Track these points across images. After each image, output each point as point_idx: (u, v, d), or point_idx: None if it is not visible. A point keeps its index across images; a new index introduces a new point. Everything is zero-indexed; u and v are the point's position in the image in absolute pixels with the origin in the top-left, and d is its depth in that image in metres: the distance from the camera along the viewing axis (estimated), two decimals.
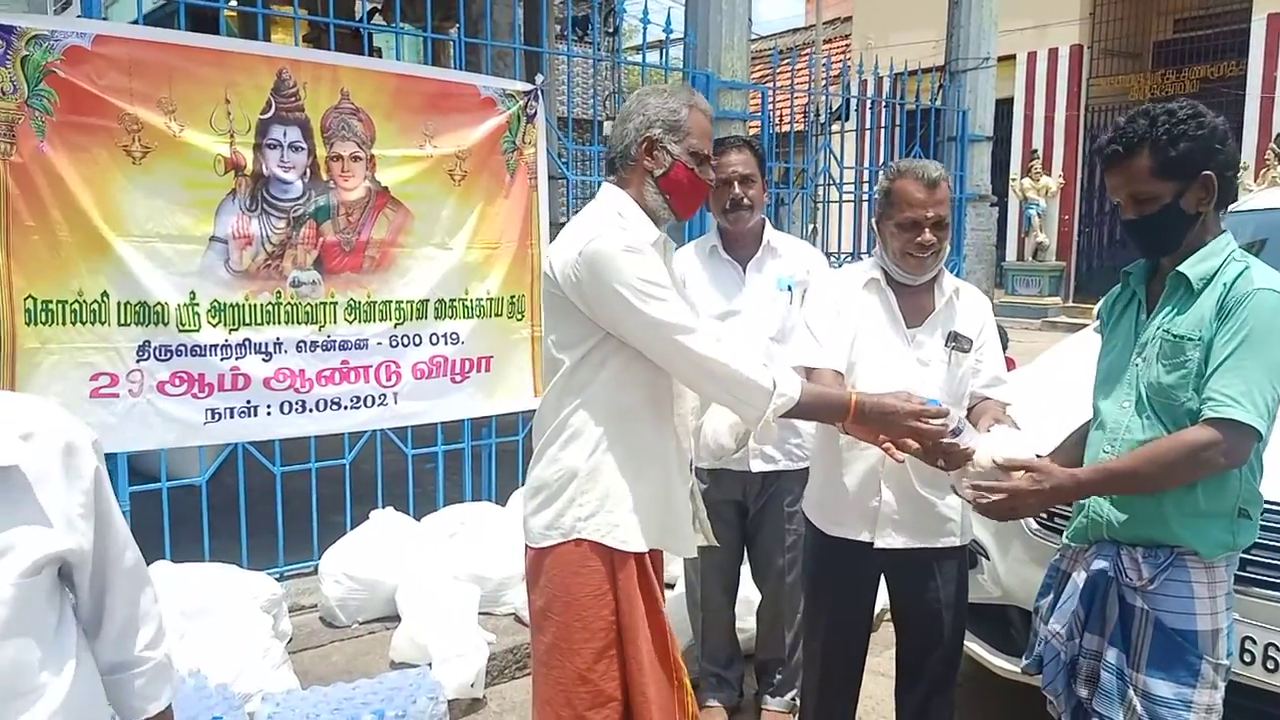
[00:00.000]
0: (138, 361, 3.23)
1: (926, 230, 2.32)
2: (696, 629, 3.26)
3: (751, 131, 5.40)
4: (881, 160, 6.44)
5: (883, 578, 2.52)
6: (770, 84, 5.67)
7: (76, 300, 3.11)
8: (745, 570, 3.25)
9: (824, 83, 6.36)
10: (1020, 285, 16.00)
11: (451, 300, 3.91)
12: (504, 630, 3.57)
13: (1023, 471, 1.97)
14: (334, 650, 3.48)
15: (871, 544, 2.40)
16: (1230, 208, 3.77)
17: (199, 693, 2.77)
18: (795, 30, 21.64)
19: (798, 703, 2.96)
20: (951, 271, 2.57)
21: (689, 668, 3.19)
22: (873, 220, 2.71)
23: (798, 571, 2.98)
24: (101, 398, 3.17)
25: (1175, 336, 1.91)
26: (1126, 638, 1.95)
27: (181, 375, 3.32)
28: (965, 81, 6.42)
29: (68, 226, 3.07)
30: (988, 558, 2.89)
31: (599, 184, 2.23)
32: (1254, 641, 2.31)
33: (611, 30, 11.24)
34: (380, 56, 5.77)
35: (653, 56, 5.19)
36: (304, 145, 3.51)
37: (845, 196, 6.12)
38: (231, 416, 3.42)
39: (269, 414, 3.49)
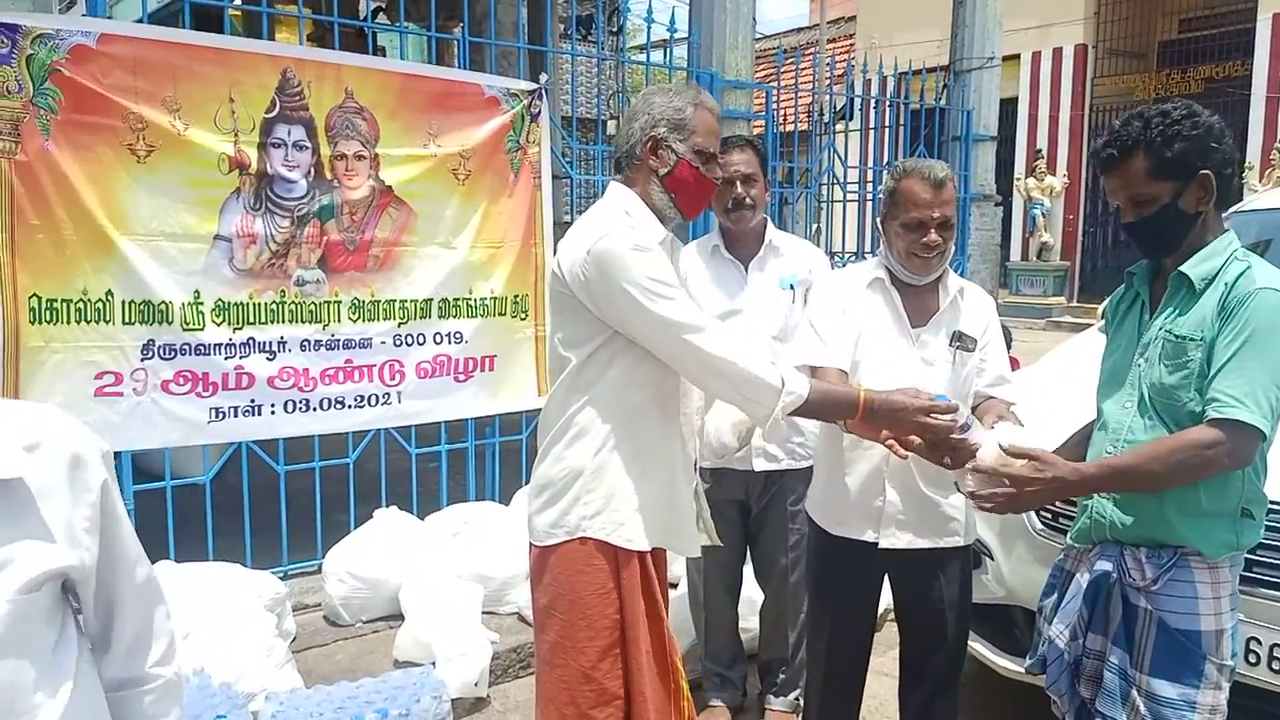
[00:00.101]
0: (142, 360, 3.24)
1: (932, 231, 2.32)
2: (700, 629, 3.26)
3: (756, 131, 5.41)
4: (886, 160, 6.43)
5: (886, 577, 2.52)
6: (774, 83, 5.66)
7: (81, 299, 3.12)
8: (748, 570, 3.25)
9: (828, 82, 6.34)
10: (1025, 285, 15.97)
11: (455, 299, 3.91)
12: (507, 629, 3.58)
13: (1025, 460, 1.95)
14: (338, 649, 3.48)
15: (876, 544, 2.40)
16: (1235, 208, 3.78)
17: (203, 691, 2.78)
18: (799, 29, 21.63)
19: (801, 703, 2.96)
20: (956, 271, 2.57)
21: (692, 667, 3.20)
22: (877, 220, 2.71)
23: (801, 571, 2.98)
24: (106, 397, 3.18)
25: (1177, 337, 1.90)
26: (1130, 638, 1.94)
27: (186, 374, 3.32)
28: (970, 81, 6.42)
29: (72, 225, 3.07)
30: (992, 558, 2.88)
31: (602, 183, 2.23)
32: (1259, 642, 2.30)
33: (616, 29, 11.22)
34: (384, 56, 5.77)
35: (657, 56, 5.20)
36: (308, 144, 3.51)
37: (849, 196, 6.11)
38: (235, 415, 3.43)
39: (273, 413, 3.50)
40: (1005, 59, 6.86)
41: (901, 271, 2.41)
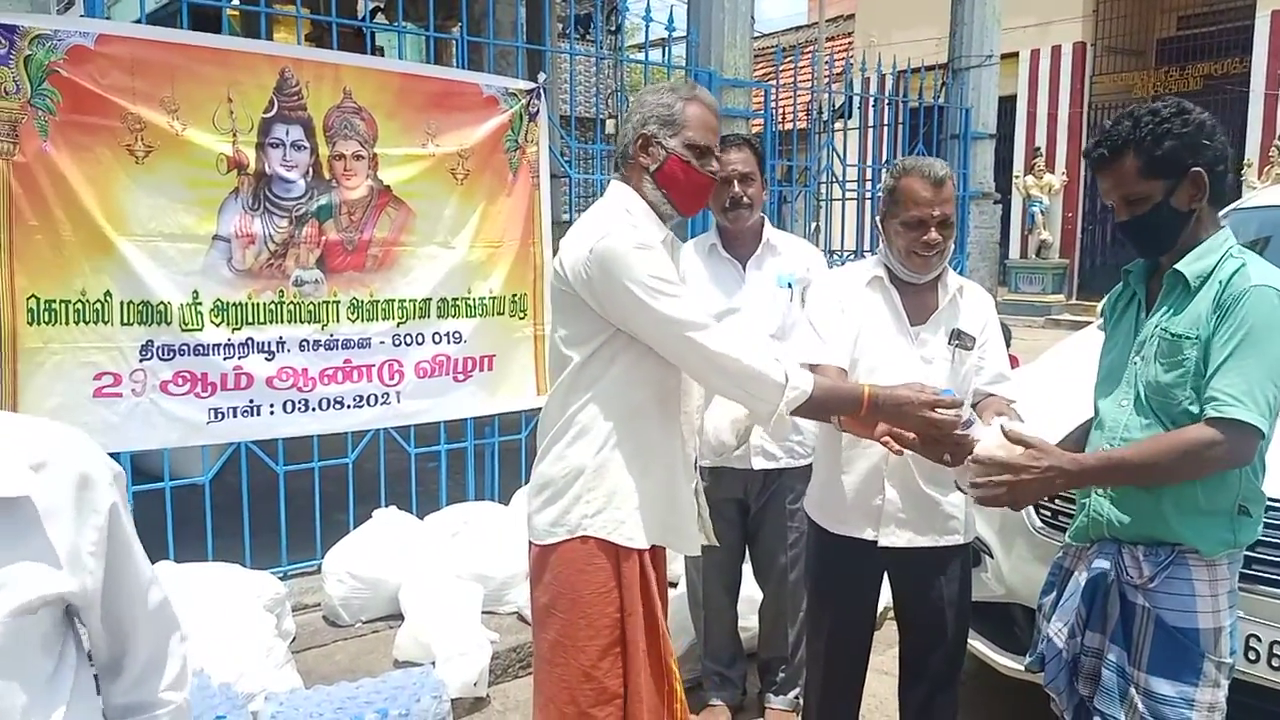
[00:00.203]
0: (141, 361, 3.24)
1: (932, 229, 2.32)
2: (699, 628, 3.26)
3: (754, 129, 5.40)
4: (884, 158, 6.43)
5: (886, 576, 2.52)
6: (773, 82, 5.66)
7: (79, 300, 3.12)
8: (747, 568, 3.25)
9: (827, 80, 6.34)
10: (1024, 283, 15.97)
11: (454, 299, 3.91)
12: (507, 629, 3.57)
13: (1024, 449, 1.93)
14: (337, 649, 3.48)
15: (875, 542, 2.40)
16: (1234, 205, 3.78)
17: (202, 692, 2.77)
18: (798, 28, 21.62)
19: (801, 701, 2.96)
20: (955, 269, 2.56)
21: (692, 666, 3.20)
22: (876, 218, 2.71)
23: (800, 569, 2.98)
24: (104, 397, 3.18)
25: (1173, 335, 1.90)
26: (1128, 636, 1.94)
27: (184, 375, 3.32)
28: (968, 79, 6.41)
29: (71, 226, 3.07)
30: (991, 556, 2.88)
31: (601, 182, 2.23)
32: (1259, 639, 2.30)
33: (614, 28, 11.22)
34: (383, 55, 5.77)
35: (655, 54, 5.19)
36: (306, 144, 3.51)
37: (848, 194, 6.11)
38: (234, 416, 3.43)
39: (272, 413, 3.50)
40: (1004, 57, 6.85)
41: (901, 270, 2.41)
